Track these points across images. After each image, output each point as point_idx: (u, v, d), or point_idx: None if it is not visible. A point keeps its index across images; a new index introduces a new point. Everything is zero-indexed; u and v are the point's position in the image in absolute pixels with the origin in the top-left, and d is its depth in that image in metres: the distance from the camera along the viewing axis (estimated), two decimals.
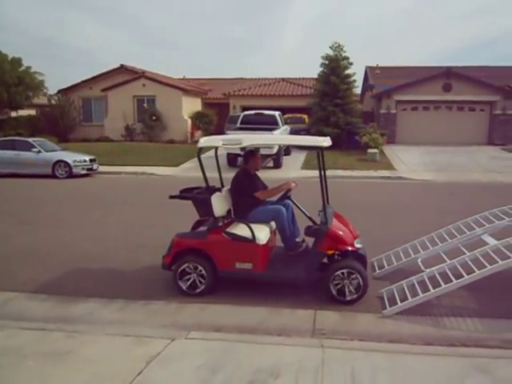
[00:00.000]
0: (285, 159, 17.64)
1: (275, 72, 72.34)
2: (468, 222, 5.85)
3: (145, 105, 26.61)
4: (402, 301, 4.65)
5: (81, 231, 8.21)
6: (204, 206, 5.12)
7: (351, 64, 23.37)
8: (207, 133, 26.14)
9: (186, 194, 5.46)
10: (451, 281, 4.58)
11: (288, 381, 3.37)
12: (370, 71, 30.13)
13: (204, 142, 5.04)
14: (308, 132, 23.01)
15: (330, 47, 23.31)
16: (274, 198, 5.60)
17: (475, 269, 4.62)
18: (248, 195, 5.37)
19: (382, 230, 7.99)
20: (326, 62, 23.22)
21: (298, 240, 5.50)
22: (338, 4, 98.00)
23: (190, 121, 26.66)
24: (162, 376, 3.46)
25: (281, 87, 30.19)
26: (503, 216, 5.60)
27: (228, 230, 5.09)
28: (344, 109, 22.42)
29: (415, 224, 8.27)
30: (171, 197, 5.45)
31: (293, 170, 16.18)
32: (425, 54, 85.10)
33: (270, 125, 16.80)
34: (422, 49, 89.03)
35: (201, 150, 5.06)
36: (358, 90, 30.10)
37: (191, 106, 27.63)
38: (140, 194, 12.58)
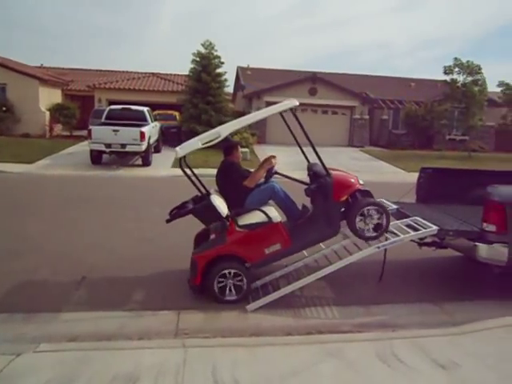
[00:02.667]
0: (155, 157, 17.27)
1: (145, 66, 70.63)
2: None
3: None
4: (265, 295, 4.85)
5: None
6: (208, 213, 4.87)
7: (223, 63, 23.77)
8: (69, 127, 24.53)
9: (182, 210, 5.12)
10: (309, 274, 4.93)
11: None
12: (241, 71, 30.95)
13: (182, 150, 4.69)
14: (179, 129, 22.84)
15: (202, 45, 23.46)
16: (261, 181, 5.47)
17: (330, 262, 5.04)
18: (240, 186, 5.25)
19: None
20: (198, 60, 23.31)
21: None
22: (212, 2, 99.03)
23: (48, 113, 24.67)
24: None
25: (151, 82, 29.51)
26: None
27: (240, 224, 4.90)
28: (216, 107, 22.70)
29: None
30: (169, 220, 5.10)
31: (163, 168, 15.90)
32: (295, 58, 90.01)
33: (137, 121, 16.32)
34: (293, 53, 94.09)
35: (181, 160, 4.74)
36: (230, 90, 30.83)
37: (50, 97, 25.58)
38: None
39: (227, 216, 4.93)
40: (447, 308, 5.05)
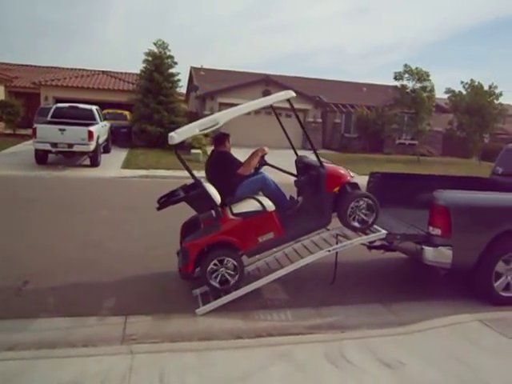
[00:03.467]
0: (104, 157, 16.85)
1: (95, 64, 68.75)
2: None
3: None
4: (215, 299, 4.83)
5: None
6: (201, 200, 4.90)
7: (176, 63, 23.54)
8: (12, 125, 23.56)
9: (174, 198, 5.13)
10: (261, 277, 4.97)
11: None
12: (194, 72, 30.78)
13: (178, 136, 4.57)
14: (130, 129, 22.43)
15: (154, 44, 23.13)
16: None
17: (282, 265, 5.11)
18: (233, 175, 5.27)
19: None
20: (150, 59, 22.97)
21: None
22: (165, 2, 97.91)
23: None
24: None
25: (101, 80, 28.83)
26: None
27: (235, 212, 4.93)
28: (168, 107, 22.42)
29: None
30: (159, 208, 5.08)
31: (112, 169, 15.53)
32: (250, 60, 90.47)
33: (85, 120, 15.85)
34: (248, 54, 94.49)
35: (177, 147, 4.71)
36: (183, 90, 30.54)
37: None
38: None
39: (221, 204, 4.94)
40: (395, 308, 5.21)
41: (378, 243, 5.75)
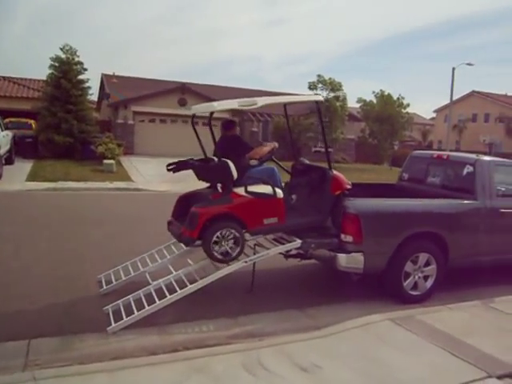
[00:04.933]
0: (6, 169, 15.77)
1: None
2: None
3: None
4: (128, 315, 4.65)
5: None
6: (218, 173, 5.33)
7: (85, 69, 22.72)
8: None
9: (189, 163, 5.66)
10: (176, 291, 4.86)
11: None
12: (106, 79, 29.84)
13: (218, 105, 5.12)
14: (36, 139, 21.26)
15: (61, 49, 22.15)
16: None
17: (198, 278, 5.04)
18: (243, 156, 5.58)
19: (116, 244, 7.92)
20: (56, 65, 21.96)
21: None
22: (74, 4, 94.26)
23: None
24: None
25: (1, 86, 27.09)
26: None
27: (249, 189, 5.19)
28: (78, 116, 21.54)
29: (149, 236, 8.42)
30: (171, 170, 5.69)
31: (15, 182, 14.58)
32: (166, 68, 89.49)
33: None
34: (163, 62, 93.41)
35: (211, 115, 5.15)
36: (95, 98, 29.53)
37: None
38: None
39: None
40: (311, 313, 5.36)
41: (294, 252, 5.90)
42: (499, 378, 3.88)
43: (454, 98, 38.06)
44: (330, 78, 25.79)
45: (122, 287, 5.55)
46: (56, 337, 4.41)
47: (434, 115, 56.27)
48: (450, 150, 31.70)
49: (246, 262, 5.21)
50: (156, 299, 4.78)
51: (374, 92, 29.19)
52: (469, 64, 31.68)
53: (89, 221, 9.78)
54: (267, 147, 5.92)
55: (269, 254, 5.36)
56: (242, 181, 5.35)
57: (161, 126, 26.39)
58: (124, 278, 5.66)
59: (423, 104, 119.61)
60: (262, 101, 5.32)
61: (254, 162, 5.69)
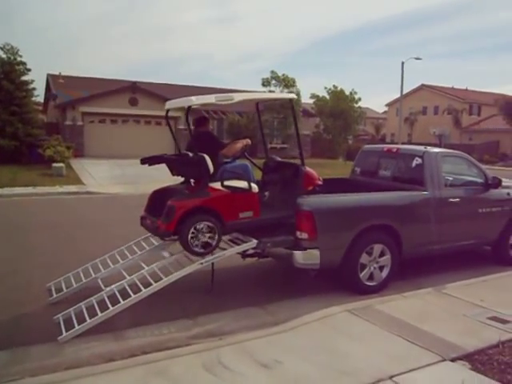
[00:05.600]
0: None
1: None
2: (148, 237, 6.12)
3: None
4: (80, 323, 4.53)
5: None
6: (195, 167, 5.33)
7: (29, 70, 21.98)
8: None
9: (163, 157, 5.74)
10: (130, 296, 4.76)
11: None
12: (52, 80, 28.89)
13: (196, 99, 5.20)
14: None
15: (1, 49, 21.33)
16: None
17: (152, 282, 4.95)
18: (215, 154, 5.58)
19: (67, 250, 7.72)
20: None
21: None
22: (13, 2, 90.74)
23: None
24: None
25: None
26: None
27: (225, 183, 5.32)
28: (23, 119, 20.84)
29: (102, 240, 8.28)
30: (144, 163, 5.53)
31: None
32: (115, 67, 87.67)
33: None
34: (113, 61, 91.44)
35: (189, 109, 5.28)
36: (41, 99, 28.60)
37: None
38: None
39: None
40: (270, 309, 5.40)
41: (251, 251, 5.92)
42: (453, 360, 4.05)
43: (405, 92, 39.27)
44: (283, 75, 26.04)
45: (74, 295, 5.42)
46: (5, 350, 4.26)
47: (386, 109, 57.75)
48: (403, 143, 32.76)
49: (201, 263, 5.18)
50: (109, 305, 4.68)
51: (326, 88, 29.71)
52: (417, 58, 32.78)
53: (38, 227, 9.50)
54: (239, 144, 6.01)
55: (225, 254, 5.37)
56: (217, 176, 5.46)
57: (112, 126, 25.86)
58: (75, 285, 5.52)
59: (377, 98, 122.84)
60: (238, 96, 5.51)
61: (227, 159, 5.82)
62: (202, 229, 5.13)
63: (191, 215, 5.11)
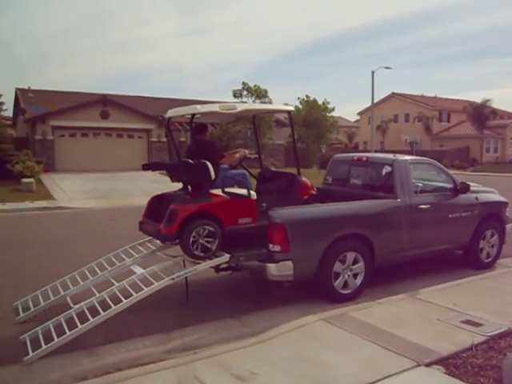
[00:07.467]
0: None
1: None
2: (119, 253, 6.05)
3: None
4: (48, 343, 4.38)
5: None
6: (195, 173, 5.51)
7: None
8: None
9: (164, 164, 6.23)
10: (100, 313, 4.65)
11: None
12: (21, 94, 28.43)
13: (201, 107, 5.55)
14: None
15: None
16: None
17: (122, 298, 4.83)
18: (216, 162, 5.68)
19: (35, 268, 7.53)
20: None
21: None
22: None
23: None
24: None
25: None
26: (149, 245, 6.09)
27: (226, 190, 5.52)
28: None
29: (72, 257, 8.11)
30: (146, 169, 5.99)
31: None
32: (85, 80, 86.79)
33: None
34: (82, 74, 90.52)
35: (193, 117, 6.01)
36: (9, 114, 28.08)
37: None
38: None
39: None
40: (246, 320, 5.38)
41: (224, 265, 5.91)
42: (428, 365, 4.10)
43: (376, 101, 39.98)
44: (255, 85, 26.19)
45: (43, 313, 5.31)
46: None
47: (359, 118, 58.60)
48: (375, 151, 33.22)
49: (173, 279, 5.10)
50: (78, 323, 4.56)
51: (299, 98, 30.00)
52: (387, 67, 33.42)
53: (7, 244, 9.27)
54: (238, 154, 6.30)
55: (197, 269, 5.31)
56: (218, 182, 5.63)
57: (83, 140, 25.52)
58: (43, 304, 5.39)
59: (349, 107, 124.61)
60: (240, 106, 5.91)
61: (225, 168, 5.96)
62: (203, 233, 5.25)
63: (193, 219, 5.24)
